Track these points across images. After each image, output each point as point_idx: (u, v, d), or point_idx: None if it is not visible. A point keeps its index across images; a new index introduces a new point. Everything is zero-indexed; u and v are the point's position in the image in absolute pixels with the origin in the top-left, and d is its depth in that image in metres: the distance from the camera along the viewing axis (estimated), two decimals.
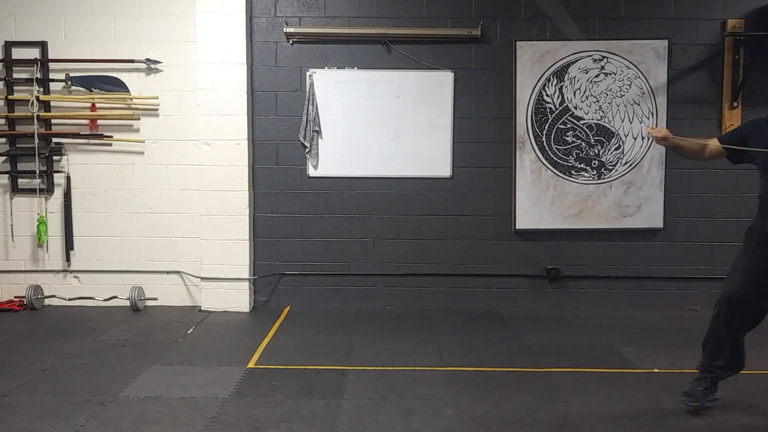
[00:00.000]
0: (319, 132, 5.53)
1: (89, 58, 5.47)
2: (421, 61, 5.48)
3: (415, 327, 5.10)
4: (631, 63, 5.45)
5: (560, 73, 5.47)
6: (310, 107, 5.50)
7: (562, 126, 5.51)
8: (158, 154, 5.57)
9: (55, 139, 5.55)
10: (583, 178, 5.54)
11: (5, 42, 5.46)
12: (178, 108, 5.53)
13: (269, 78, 5.54)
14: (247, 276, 5.53)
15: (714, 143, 3.46)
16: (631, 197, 5.53)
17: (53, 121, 5.54)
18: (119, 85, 5.46)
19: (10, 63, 5.45)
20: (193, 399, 3.58)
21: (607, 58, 5.46)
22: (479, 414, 3.39)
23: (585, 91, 5.48)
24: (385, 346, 4.58)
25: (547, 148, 5.52)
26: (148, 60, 5.44)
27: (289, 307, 5.64)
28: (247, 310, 5.55)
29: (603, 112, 5.50)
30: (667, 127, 5.42)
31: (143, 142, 5.55)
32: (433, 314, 5.46)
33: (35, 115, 5.36)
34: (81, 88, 5.45)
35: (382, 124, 5.53)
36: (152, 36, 5.47)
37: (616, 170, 5.52)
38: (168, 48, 5.48)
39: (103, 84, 5.45)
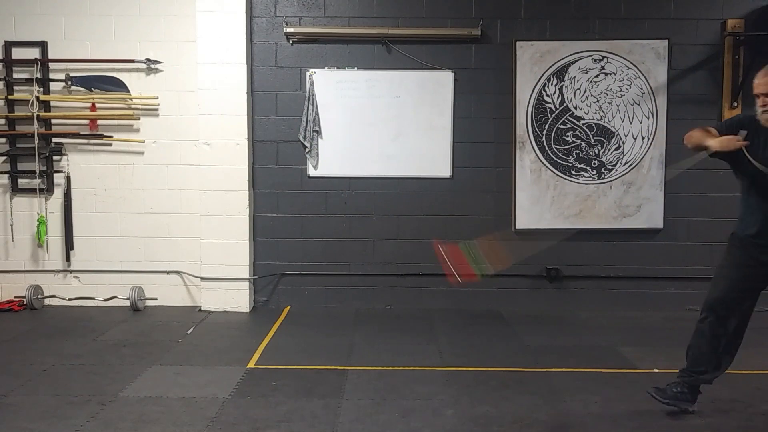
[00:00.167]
0: (319, 132, 5.53)
1: (89, 58, 5.47)
2: (421, 61, 5.48)
3: (415, 327, 5.10)
4: (631, 63, 5.45)
5: (560, 73, 5.47)
6: (310, 107, 5.50)
7: (562, 126, 5.51)
8: (158, 154, 5.57)
9: (55, 139, 5.55)
10: (583, 178, 5.54)
11: (5, 42, 5.46)
12: (178, 108, 5.53)
13: (269, 78, 5.54)
14: (247, 276, 5.53)
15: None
16: (631, 197, 5.53)
17: (53, 121, 5.54)
18: (119, 85, 5.46)
19: (10, 63, 5.45)
20: (193, 399, 3.58)
21: (607, 58, 5.46)
22: (479, 414, 3.39)
23: (585, 91, 5.48)
24: (385, 346, 4.58)
25: (547, 148, 5.52)
26: (148, 60, 5.44)
27: (289, 307, 5.64)
28: (247, 310, 5.55)
29: (603, 112, 5.50)
30: (667, 128, 5.46)
31: (143, 142, 5.55)
32: (433, 314, 5.46)
33: (35, 115, 5.36)
34: (81, 88, 5.45)
35: (382, 124, 5.53)
36: (152, 36, 5.47)
37: (616, 170, 5.52)
38: (168, 48, 5.48)
39: (103, 84, 5.45)
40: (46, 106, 5.50)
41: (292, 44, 5.51)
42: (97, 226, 5.62)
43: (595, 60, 5.46)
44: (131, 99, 5.50)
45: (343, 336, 4.83)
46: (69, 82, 5.40)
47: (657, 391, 3.38)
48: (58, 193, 5.60)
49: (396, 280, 5.66)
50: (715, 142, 3.12)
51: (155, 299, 5.61)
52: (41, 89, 5.43)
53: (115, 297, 5.56)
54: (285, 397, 3.60)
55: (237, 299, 5.53)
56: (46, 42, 5.46)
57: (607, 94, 5.48)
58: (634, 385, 3.81)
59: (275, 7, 5.49)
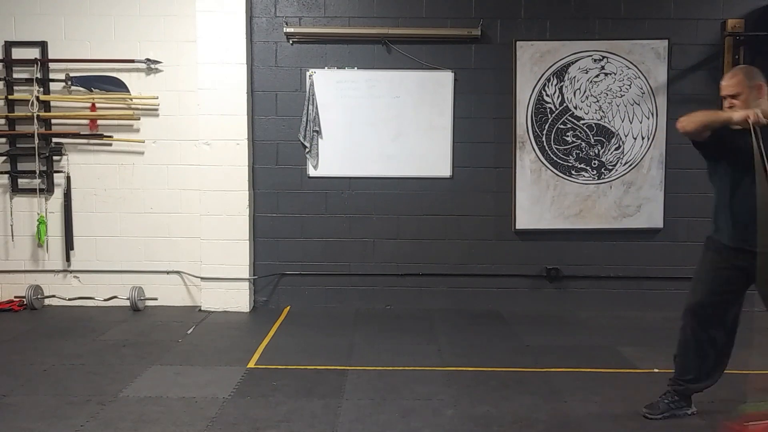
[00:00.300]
0: (319, 132, 5.53)
1: (89, 58, 5.47)
2: (421, 61, 5.48)
3: (415, 327, 5.10)
4: (631, 63, 5.45)
5: (560, 73, 5.47)
6: (310, 107, 5.50)
7: (562, 126, 5.51)
8: (158, 154, 5.57)
9: (55, 139, 5.55)
10: (583, 178, 5.54)
11: (5, 42, 5.46)
12: (178, 108, 5.53)
13: (269, 78, 5.54)
14: (247, 276, 5.53)
15: None
16: (631, 197, 5.53)
17: (53, 121, 5.54)
18: (119, 85, 5.46)
19: (10, 63, 5.45)
20: (193, 399, 3.58)
21: (607, 58, 5.46)
22: (479, 414, 3.39)
23: (585, 91, 5.48)
24: (385, 346, 4.58)
25: (547, 148, 5.52)
26: (148, 60, 5.44)
27: (289, 307, 5.64)
28: (247, 310, 5.55)
29: (603, 112, 5.50)
30: (667, 128, 5.46)
31: (143, 142, 5.55)
32: (433, 314, 5.46)
33: (35, 115, 5.36)
34: (81, 88, 5.45)
35: (382, 124, 5.53)
36: (152, 36, 5.47)
37: (616, 170, 5.52)
38: (168, 48, 5.48)
39: (103, 84, 5.45)
40: (46, 106, 5.50)
41: (292, 44, 5.51)
42: (97, 226, 5.62)
43: (595, 60, 5.46)
44: (131, 99, 5.50)
45: (343, 336, 4.83)
46: (69, 82, 5.40)
47: (649, 410, 3.35)
48: (58, 193, 5.60)
49: (396, 280, 5.66)
50: (737, 115, 2.95)
51: (155, 299, 5.61)
52: (41, 89, 5.43)
53: (115, 297, 5.56)
54: (285, 397, 3.60)
55: (237, 299, 5.53)
56: (46, 42, 5.46)
57: (607, 94, 5.48)
58: (634, 385, 3.82)
59: (275, 7, 5.49)
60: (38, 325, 5.10)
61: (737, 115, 2.98)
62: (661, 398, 3.37)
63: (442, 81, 5.50)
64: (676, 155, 5.39)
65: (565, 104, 5.49)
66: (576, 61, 5.46)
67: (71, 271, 5.66)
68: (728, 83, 3.10)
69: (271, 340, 4.72)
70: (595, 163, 5.53)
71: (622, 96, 5.48)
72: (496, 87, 5.53)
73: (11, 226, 5.57)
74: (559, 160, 5.52)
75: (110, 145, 5.57)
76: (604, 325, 5.20)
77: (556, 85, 5.48)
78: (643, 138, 5.48)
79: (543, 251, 5.63)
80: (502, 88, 5.52)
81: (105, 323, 5.11)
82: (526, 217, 5.56)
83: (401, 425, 3.25)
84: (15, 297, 5.62)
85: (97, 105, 5.47)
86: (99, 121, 5.49)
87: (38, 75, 5.40)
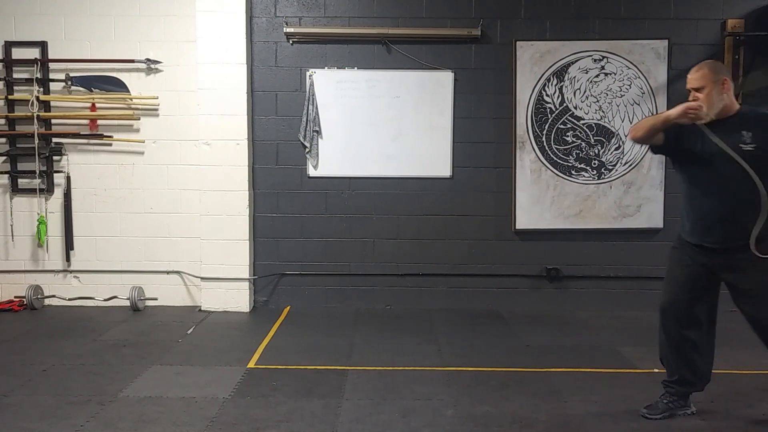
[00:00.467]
0: (319, 132, 5.53)
1: (89, 58, 5.47)
2: (421, 61, 5.48)
3: (415, 327, 5.10)
4: (631, 63, 5.45)
5: (560, 73, 5.47)
6: (310, 107, 5.50)
7: (562, 126, 5.51)
8: (158, 154, 5.57)
9: (55, 139, 5.55)
10: (583, 178, 5.54)
11: (5, 42, 5.46)
12: (178, 108, 5.53)
13: (269, 78, 5.54)
14: (247, 276, 5.53)
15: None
16: (631, 197, 5.53)
17: (53, 121, 5.54)
18: (119, 85, 5.46)
19: (10, 63, 5.45)
20: (193, 399, 3.58)
21: (607, 58, 5.46)
22: (479, 414, 3.39)
23: (585, 91, 5.48)
24: (385, 346, 4.58)
25: (547, 148, 5.52)
26: (148, 60, 5.44)
27: (289, 307, 5.64)
28: (247, 310, 5.55)
29: (603, 112, 5.50)
30: None
31: (143, 142, 5.55)
32: (433, 314, 5.45)
33: (35, 115, 5.36)
34: (81, 88, 5.45)
35: (382, 124, 5.53)
36: (152, 36, 5.47)
37: (616, 170, 5.52)
38: (168, 48, 5.48)
39: (103, 84, 5.45)
40: (46, 106, 5.50)
41: (292, 44, 5.51)
42: (97, 226, 5.62)
43: (595, 60, 5.46)
44: (131, 99, 5.50)
45: (343, 336, 4.83)
46: (69, 82, 5.40)
47: (649, 410, 3.35)
48: (58, 193, 5.60)
49: (396, 280, 5.66)
50: (674, 111, 3.00)
51: (155, 299, 5.61)
52: (41, 89, 5.43)
53: (115, 297, 5.56)
54: (285, 397, 3.60)
55: (237, 299, 5.53)
56: (46, 42, 5.46)
57: (607, 94, 5.48)
58: (634, 385, 3.81)
59: (275, 7, 5.49)
60: (38, 325, 5.10)
61: (674, 111, 3.01)
62: (660, 398, 3.37)
63: (442, 81, 5.50)
64: None
65: (565, 104, 5.49)
66: (576, 61, 5.46)
67: (71, 271, 5.66)
68: (693, 76, 3.09)
69: (271, 340, 4.72)
70: (595, 163, 5.53)
71: (622, 96, 5.48)
72: (496, 87, 5.53)
73: (11, 226, 5.57)
74: (559, 160, 5.52)
75: (110, 145, 5.57)
76: (604, 325, 5.20)
77: (556, 85, 5.48)
78: None
79: (543, 251, 5.63)
80: (502, 88, 5.52)
81: (105, 323, 5.11)
82: (526, 217, 5.56)
83: (401, 425, 3.25)
84: (15, 297, 5.62)
85: (97, 105, 5.47)
86: (99, 121, 5.49)
87: (38, 75, 5.40)
